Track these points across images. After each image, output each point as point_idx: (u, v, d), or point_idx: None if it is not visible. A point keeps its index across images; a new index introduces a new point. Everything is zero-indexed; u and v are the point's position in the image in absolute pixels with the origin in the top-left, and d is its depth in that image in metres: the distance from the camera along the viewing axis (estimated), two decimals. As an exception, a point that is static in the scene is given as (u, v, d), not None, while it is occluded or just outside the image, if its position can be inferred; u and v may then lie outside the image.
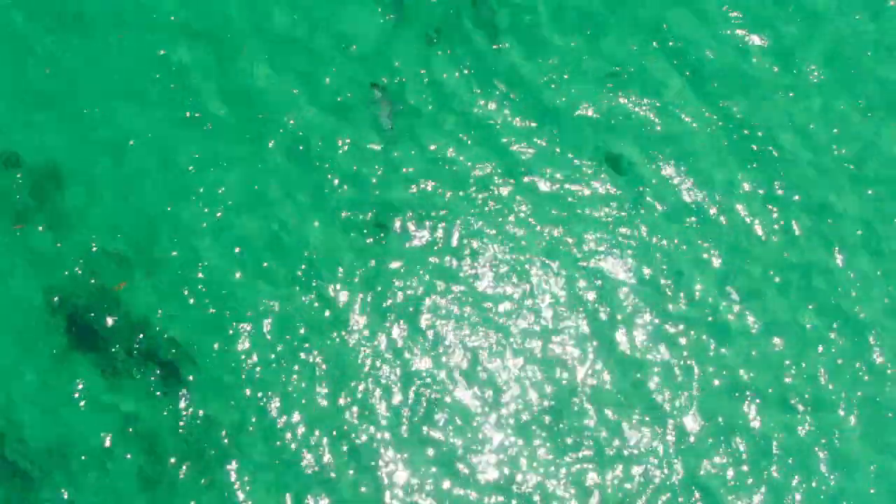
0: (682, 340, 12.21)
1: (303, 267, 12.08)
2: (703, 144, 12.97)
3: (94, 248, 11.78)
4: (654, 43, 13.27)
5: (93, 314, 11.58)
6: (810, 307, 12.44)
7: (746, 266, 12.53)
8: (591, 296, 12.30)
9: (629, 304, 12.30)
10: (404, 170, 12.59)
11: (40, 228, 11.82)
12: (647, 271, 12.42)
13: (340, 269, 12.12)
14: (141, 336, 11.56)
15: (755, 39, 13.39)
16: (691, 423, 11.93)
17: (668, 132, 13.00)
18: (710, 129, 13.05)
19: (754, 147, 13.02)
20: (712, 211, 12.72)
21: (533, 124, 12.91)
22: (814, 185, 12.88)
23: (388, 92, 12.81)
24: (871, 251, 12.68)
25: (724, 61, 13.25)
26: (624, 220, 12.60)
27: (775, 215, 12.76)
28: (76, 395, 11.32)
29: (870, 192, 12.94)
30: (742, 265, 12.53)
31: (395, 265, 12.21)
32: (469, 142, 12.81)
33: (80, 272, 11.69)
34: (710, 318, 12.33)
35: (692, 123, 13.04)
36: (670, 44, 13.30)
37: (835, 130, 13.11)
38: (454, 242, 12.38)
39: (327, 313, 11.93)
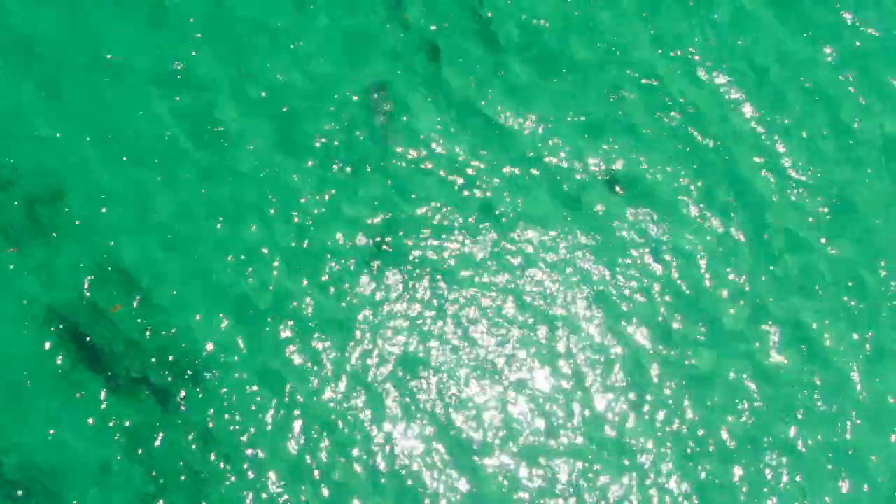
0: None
1: (300, 286, 12.17)
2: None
3: (93, 268, 11.84)
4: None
5: (92, 333, 11.65)
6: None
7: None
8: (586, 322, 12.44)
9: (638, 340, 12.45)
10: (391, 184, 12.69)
11: (37, 248, 11.90)
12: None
13: (327, 275, 12.20)
14: (141, 355, 11.66)
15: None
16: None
17: (672, 148, 13.07)
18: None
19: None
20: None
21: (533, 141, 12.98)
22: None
23: (384, 93, 12.79)
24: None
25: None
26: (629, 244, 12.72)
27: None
28: (77, 414, 11.42)
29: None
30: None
31: (388, 285, 12.31)
32: (464, 150, 12.84)
33: (79, 292, 11.76)
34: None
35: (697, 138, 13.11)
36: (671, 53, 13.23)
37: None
38: (445, 264, 12.46)
39: (325, 333, 12.04)
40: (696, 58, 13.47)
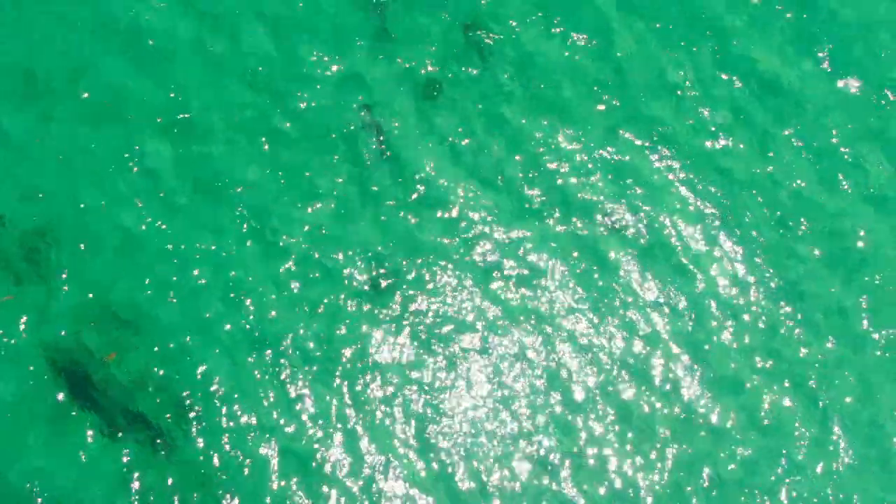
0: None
1: (293, 324, 12.17)
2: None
3: (89, 310, 11.90)
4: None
5: (85, 373, 11.69)
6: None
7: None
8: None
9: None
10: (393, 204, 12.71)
11: (33, 290, 11.94)
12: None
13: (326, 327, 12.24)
14: (136, 396, 11.69)
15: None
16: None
17: (677, 194, 13.09)
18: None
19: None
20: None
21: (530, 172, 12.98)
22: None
23: (375, 114, 12.81)
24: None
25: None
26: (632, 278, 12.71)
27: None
28: (73, 455, 11.45)
29: None
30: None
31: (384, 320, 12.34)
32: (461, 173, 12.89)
33: (75, 333, 11.81)
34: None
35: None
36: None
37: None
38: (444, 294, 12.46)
39: (322, 365, 12.09)
40: (692, 94, 13.46)
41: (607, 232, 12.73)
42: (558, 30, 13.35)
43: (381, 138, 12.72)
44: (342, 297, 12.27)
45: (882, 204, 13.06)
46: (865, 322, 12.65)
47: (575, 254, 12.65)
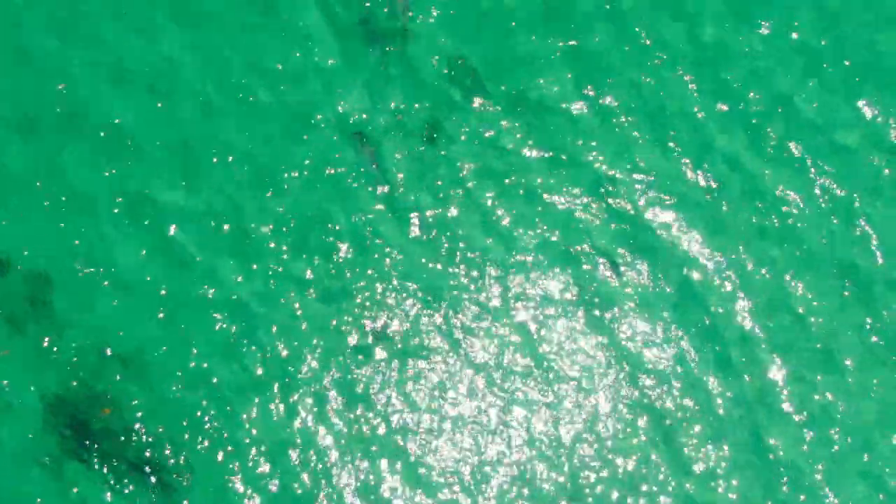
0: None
1: (294, 367, 12.13)
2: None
3: (87, 355, 11.91)
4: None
5: (86, 422, 11.70)
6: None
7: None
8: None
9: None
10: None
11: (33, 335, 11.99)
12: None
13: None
14: (133, 444, 11.69)
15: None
16: None
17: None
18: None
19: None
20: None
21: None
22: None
23: (370, 140, 12.81)
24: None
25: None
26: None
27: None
28: (70, 500, 11.49)
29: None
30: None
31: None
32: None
33: (73, 378, 11.83)
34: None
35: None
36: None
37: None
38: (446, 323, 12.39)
39: (322, 406, 12.04)
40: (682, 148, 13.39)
41: (609, 273, 12.63)
42: (564, 76, 13.34)
43: (375, 165, 12.75)
44: (337, 339, 12.22)
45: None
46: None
47: (573, 294, 12.56)
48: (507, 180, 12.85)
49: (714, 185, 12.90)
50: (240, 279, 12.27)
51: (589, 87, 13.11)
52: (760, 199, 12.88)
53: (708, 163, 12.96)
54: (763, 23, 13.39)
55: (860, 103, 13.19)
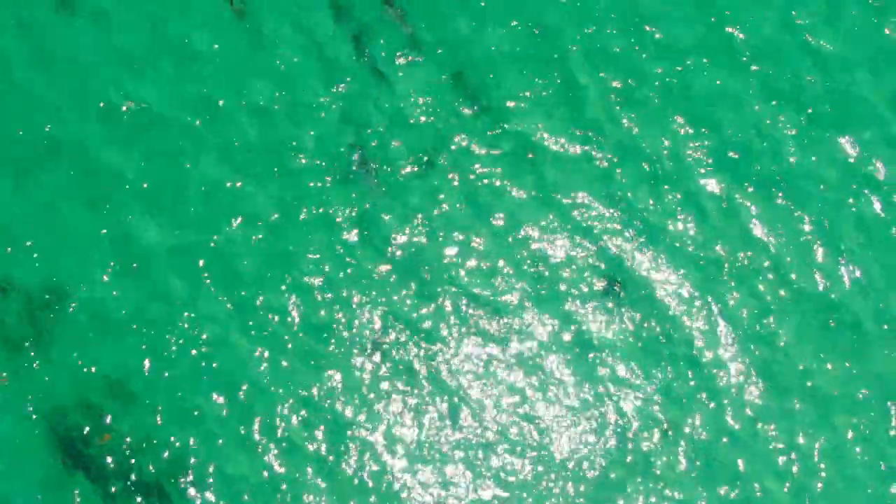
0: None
1: (293, 399, 12.25)
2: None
3: (89, 381, 12.02)
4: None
5: (85, 445, 11.80)
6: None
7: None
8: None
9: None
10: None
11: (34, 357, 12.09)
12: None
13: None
14: (131, 467, 11.76)
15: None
16: None
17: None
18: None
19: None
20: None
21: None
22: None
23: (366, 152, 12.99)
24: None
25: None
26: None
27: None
28: None
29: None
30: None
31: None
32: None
33: (72, 404, 11.92)
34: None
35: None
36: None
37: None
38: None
39: (320, 443, 12.15)
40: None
41: (593, 313, 12.75)
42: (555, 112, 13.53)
43: (376, 181, 12.88)
44: (330, 372, 12.32)
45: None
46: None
47: (567, 336, 12.68)
48: (493, 216, 13.00)
49: (697, 223, 13.08)
50: (227, 307, 12.43)
51: (577, 129, 13.28)
52: (744, 240, 13.05)
53: (694, 201, 13.14)
54: (752, 66, 13.66)
55: (842, 140, 13.39)
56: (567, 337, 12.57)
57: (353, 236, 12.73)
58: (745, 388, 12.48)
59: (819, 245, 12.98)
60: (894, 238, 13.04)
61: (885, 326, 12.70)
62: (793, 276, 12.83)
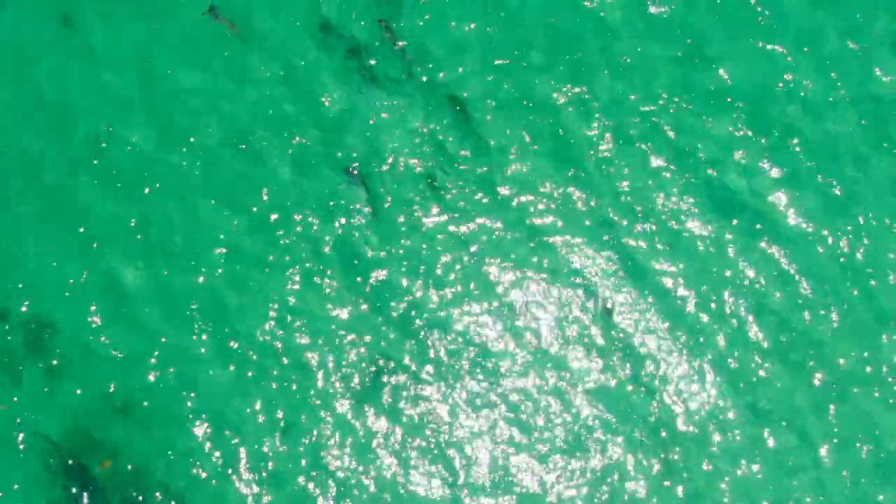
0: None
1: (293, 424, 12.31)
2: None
3: (89, 405, 12.11)
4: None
5: (85, 469, 11.87)
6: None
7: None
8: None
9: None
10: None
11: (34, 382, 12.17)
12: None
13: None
14: (132, 492, 11.86)
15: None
16: None
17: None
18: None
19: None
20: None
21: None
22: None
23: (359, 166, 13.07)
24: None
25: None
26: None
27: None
28: None
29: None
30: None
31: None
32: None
33: (72, 428, 12.01)
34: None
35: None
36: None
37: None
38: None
39: (322, 459, 12.22)
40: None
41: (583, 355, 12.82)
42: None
43: (368, 202, 12.97)
44: (317, 403, 12.40)
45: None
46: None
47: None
48: (483, 249, 13.01)
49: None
50: (214, 341, 12.50)
51: (571, 169, 13.30)
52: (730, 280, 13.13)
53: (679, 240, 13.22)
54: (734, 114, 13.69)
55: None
56: (554, 376, 12.63)
57: (343, 269, 12.78)
58: (732, 429, 12.55)
59: (805, 284, 13.02)
60: (886, 283, 13.09)
61: (869, 369, 12.79)
62: (778, 318, 12.91)
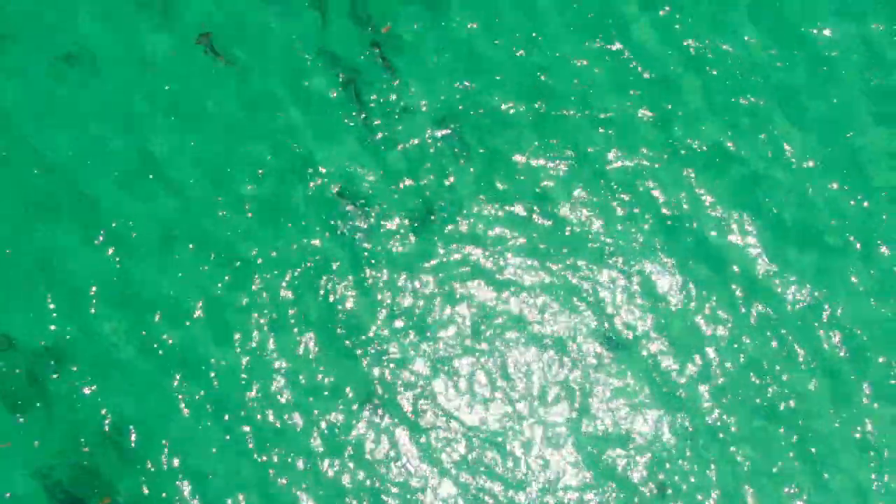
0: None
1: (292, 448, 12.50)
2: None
3: (87, 439, 12.25)
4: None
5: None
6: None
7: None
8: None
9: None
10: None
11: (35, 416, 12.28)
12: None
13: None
14: None
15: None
16: None
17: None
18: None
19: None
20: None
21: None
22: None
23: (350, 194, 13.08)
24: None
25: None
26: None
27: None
28: None
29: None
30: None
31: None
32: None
33: (73, 462, 12.15)
34: None
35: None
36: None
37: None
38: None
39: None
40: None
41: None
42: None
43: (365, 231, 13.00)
44: (324, 427, 12.56)
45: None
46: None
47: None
48: (484, 274, 13.02)
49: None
50: (221, 363, 12.63)
51: (580, 189, 13.19)
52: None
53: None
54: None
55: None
56: (560, 401, 12.68)
57: (340, 294, 12.84)
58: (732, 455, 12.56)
59: (797, 346, 12.84)
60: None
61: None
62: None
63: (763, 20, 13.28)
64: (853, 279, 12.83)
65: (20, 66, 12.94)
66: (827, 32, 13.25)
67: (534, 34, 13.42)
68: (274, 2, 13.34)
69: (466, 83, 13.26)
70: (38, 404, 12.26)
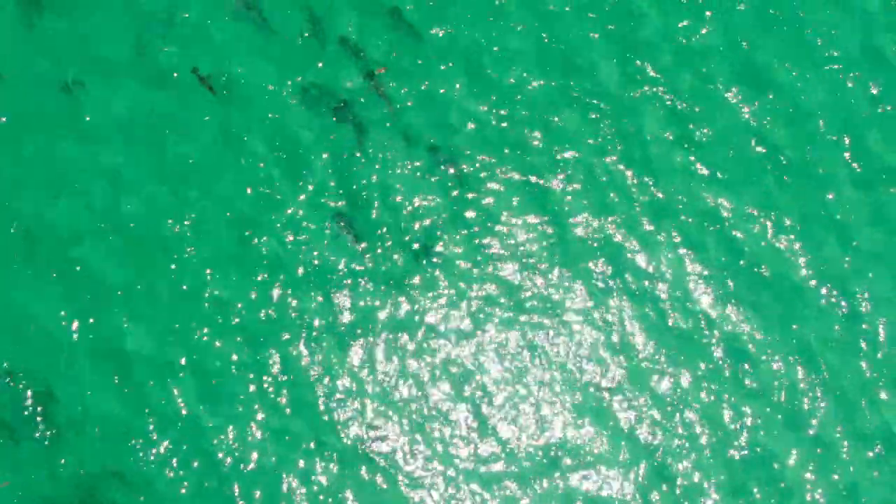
0: None
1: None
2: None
3: (86, 472, 12.06)
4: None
5: None
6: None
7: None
8: None
9: None
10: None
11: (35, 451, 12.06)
12: None
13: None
14: None
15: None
16: None
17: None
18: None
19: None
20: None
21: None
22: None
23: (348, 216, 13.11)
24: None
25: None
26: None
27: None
28: None
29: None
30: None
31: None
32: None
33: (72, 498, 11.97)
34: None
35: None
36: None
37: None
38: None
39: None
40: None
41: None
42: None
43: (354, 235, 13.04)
44: (324, 457, 12.46)
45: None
46: None
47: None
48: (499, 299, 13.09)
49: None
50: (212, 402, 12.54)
51: (582, 215, 13.43)
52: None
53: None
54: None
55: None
56: (556, 445, 12.73)
57: (337, 322, 12.83)
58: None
59: (800, 363, 13.15)
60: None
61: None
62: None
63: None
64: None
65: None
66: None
67: (526, 72, 13.80)
68: (265, 30, 13.41)
69: (461, 111, 13.50)
70: (37, 441, 12.09)
